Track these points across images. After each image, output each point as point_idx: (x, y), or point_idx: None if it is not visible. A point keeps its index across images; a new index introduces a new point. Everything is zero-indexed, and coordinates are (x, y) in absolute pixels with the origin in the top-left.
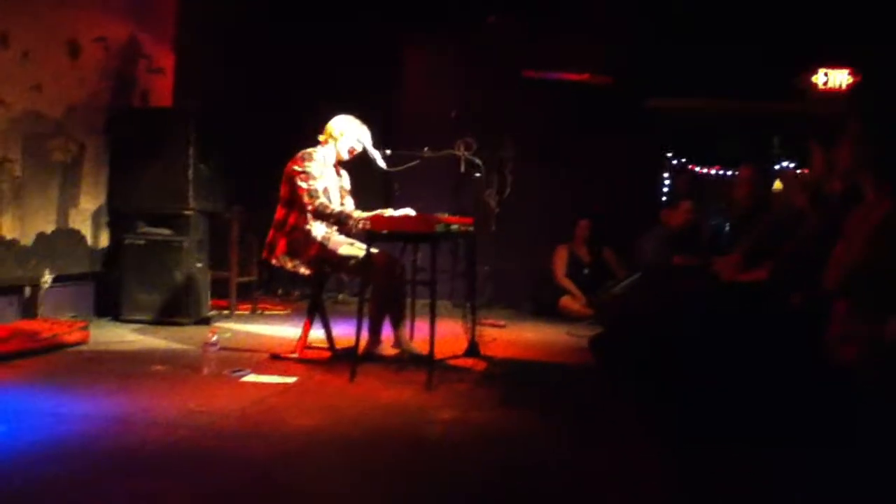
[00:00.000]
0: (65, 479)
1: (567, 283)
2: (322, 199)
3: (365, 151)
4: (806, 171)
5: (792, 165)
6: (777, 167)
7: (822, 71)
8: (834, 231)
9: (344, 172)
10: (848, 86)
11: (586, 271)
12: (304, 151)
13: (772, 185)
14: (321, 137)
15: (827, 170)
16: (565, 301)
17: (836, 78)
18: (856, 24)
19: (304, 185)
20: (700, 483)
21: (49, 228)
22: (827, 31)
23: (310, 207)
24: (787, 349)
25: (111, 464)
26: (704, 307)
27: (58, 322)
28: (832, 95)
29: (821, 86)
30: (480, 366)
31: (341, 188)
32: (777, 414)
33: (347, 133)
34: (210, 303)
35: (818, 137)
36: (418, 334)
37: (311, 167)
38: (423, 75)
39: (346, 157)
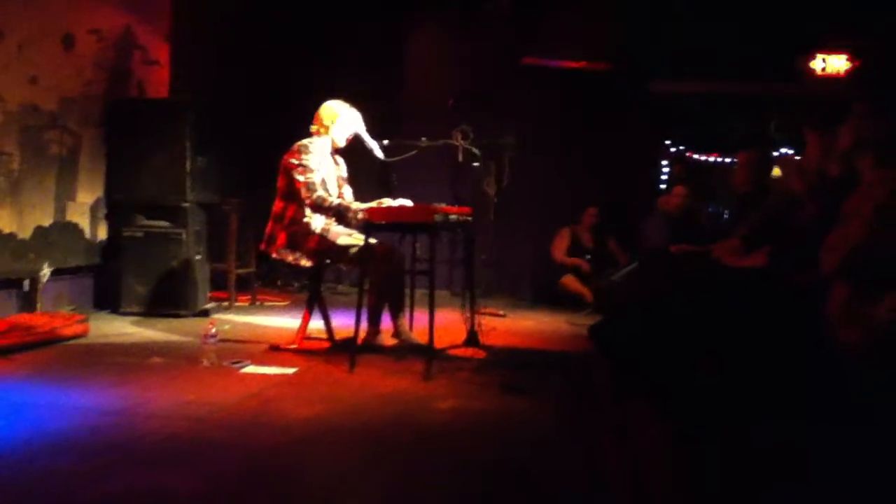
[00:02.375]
0: (69, 471)
1: (567, 261)
2: (320, 192)
3: (361, 140)
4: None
5: (791, 151)
6: (777, 153)
7: (819, 56)
8: (831, 216)
9: (341, 161)
10: (846, 71)
11: (588, 257)
12: (300, 143)
13: (771, 170)
14: (313, 128)
15: (821, 155)
16: (566, 279)
17: (833, 63)
18: (854, 10)
19: (301, 178)
20: (702, 473)
21: (47, 222)
22: (825, 15)
23: (307, 201)
24: (787, 334)
25: (113, 456)
26: (703, 293)
27: (56, 315)
28: (830, 81)
29: (818, 71)
30: (480, 355)
31: (339, 177)
32: (779, 399)
33: (339, 118)
34: (209, 294)
35: (812, 123)
36: (417, 324)
37: (307, 159)
38: (421, 63)
39: (342, 144)
